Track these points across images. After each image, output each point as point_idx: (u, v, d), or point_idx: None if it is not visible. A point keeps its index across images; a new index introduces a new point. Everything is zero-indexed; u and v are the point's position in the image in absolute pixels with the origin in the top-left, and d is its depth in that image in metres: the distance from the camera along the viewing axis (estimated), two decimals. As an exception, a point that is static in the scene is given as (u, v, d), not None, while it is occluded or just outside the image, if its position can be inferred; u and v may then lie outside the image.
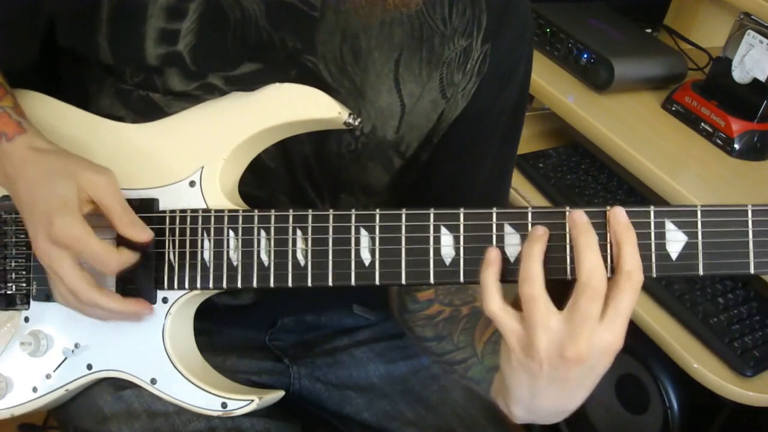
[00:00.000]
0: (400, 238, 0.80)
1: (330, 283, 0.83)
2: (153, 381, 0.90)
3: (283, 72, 0.88)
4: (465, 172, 1.00)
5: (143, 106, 0.91)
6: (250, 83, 0.87)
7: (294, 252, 0.83)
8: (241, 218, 0.85)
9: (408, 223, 0.80)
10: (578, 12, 1.83)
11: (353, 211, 0.82)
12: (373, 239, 0.81)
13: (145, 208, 0.89)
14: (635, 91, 1.69)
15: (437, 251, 0.80)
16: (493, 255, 0.76)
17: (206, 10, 0.86)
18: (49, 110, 0.94)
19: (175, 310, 0.89)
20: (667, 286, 1.40)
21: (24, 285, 0.95)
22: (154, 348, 0.89)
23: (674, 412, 1.48)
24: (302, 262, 0.83)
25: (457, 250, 0.79)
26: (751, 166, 1.50)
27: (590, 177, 1.68)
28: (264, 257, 0.84)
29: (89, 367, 0.92)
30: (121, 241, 0.85)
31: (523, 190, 1.65)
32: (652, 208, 0.76)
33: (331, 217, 0.82)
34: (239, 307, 1.03)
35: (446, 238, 0.79)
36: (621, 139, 1.51)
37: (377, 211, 0.81)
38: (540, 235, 0.75)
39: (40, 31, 0.93)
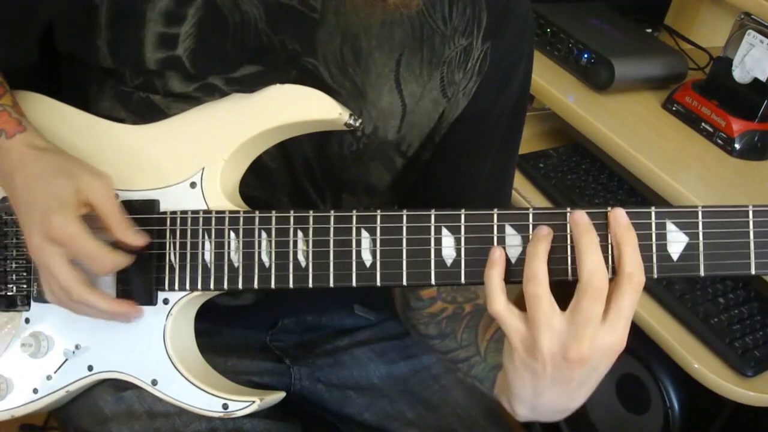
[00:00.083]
0: (401, 239, 0.80)
1: (331, 284, 0.83)
2: (154, 382, 0.90)
3: (283, 74, 0.88)
4: (465, 172, 1.00)
5: (143, 107, 0.91)
6: (250, 85, 0.87)
7: (295, 253, 0.83)
8: (242, 219, 0.85)
9: (409, 224, 0.80)
10: (579, 12, 1.83)
11: (354, 212, 0.82)
12: (374, 240, 0.81)
13: (146, 209, 0.89)
14: (636, 91, 1.69)
15: (438, 252, 0.80)
16: (497, 255, 0.77)
17: (205, 14, 0.86)
18: (49, 111, 0.94)
19: (176, 311, 0.89)
20: (667, 286, 1.40)
21: (24, 286, 0.95)
22: (155, 349, 0.89)
23: (675, 412, 1.48)
24: (303, 263, 0.83)
25: (458, 251, 0.79)
26: (751, 165, 1.50)
27: (591, 177, 1.68)
28: (265, 258, 0.84)
29: (90, 368, 0.92)
30: (116, 244, 0.85)
31: (523, 190, 1.65)
32: (653, 209, 0.76)
33: (332, 218, 0.82)
34: (240, 308, 1.03)
35: (447, 239, 0.79)
36: (621, 139, 1.51)
37: (378, 212, 0.81)
38: (544, 234, 0.75)
39: (37, 34, 0.93)
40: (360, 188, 0.99)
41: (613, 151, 1.53)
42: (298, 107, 0.85)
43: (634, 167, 1.48)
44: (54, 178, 0.84)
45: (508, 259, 0.78)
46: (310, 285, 0.83)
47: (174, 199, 0.89)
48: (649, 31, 1.92)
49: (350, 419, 1.10)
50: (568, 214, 0.76)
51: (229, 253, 0.85)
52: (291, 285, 0.84)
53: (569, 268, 0.76)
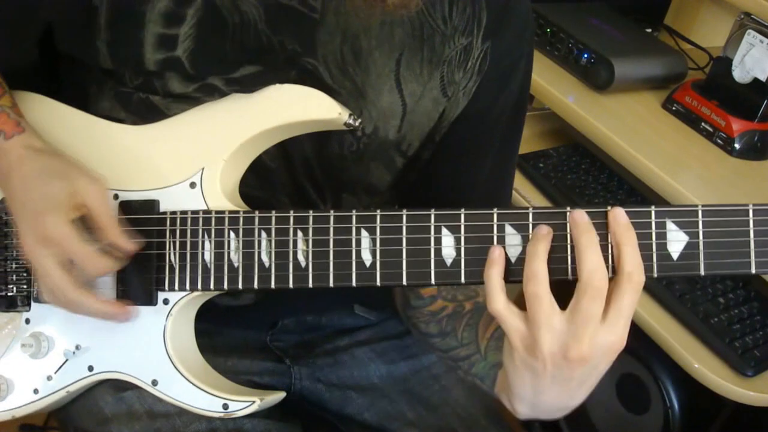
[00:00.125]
0: (401, 239, 0.80)
1: (331, 284, 0.83)
2: (154, 382, 0.90)
3: (282, 74, 0.88)
4: (466, 172, 1.00)
5: (143, 108, 0.91)
6: (249, 85, 0.87)
7: (295, 253, 0.83)
8: (241, 219, 0.85)
9: (409, 224, 0.80)
10: (578, 12, 1.83)
11: (354, 212, 0.82)
12: (373, 240, 0.81)
13: (146, 209, 0.89)
14: (635, 91, 1.69)
15: (438, 252, 0.80)
16: (496, 254, 0.77)
17: (204, 15, 0.86)
18: (48, 112, 0.94)
19: (176, 311, 0.89)
20: (667, 286, 1.40)
21: (25, 287, 0.95)
22: (155, 349, 0.89)
23: (675, 412, 1.48)
24: (303, 263, 0.83)
25: (458, 250, 0.79)
26: (751, 165, 1.50)
27: (591, 177, 1.68)
28: (265, 258, 0.84)
29: (90, 368, 0.92)
30: (107, 248, 0.85)
31: (523, 190, 1.65)
32: (653, 208, 0.76)
33: (331, 217, 0.82)
34: (240, 308, 1.03)
35: (447, 239, 0.79)
36: (621, 139, 1.51)
37: (378, 211, 0.81)
38: (544, 234, 0.75)
39: (37, 34, 0.93)
40: (360, 188, 0.99)
41: (613, 151, 1.53)
42: (297, 107, 0.85)
43: (634, 167, 1.48)
44: (49, 180, 0.84)
45: (508, 259, 0.78)
46: (310, 285, 0.83)
47: (174, 200, 0.89)
48: (649, 31, 1.92)
49: (350, 419, 1.10)
50: (568, 213, 0.76)
51: (229, 253, 0.86)
52: (291, 285, 0.84)
53: (569, 267, 0.76)
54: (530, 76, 1.01)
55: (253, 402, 0.88)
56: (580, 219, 0.74)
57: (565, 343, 0.73)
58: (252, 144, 0.88)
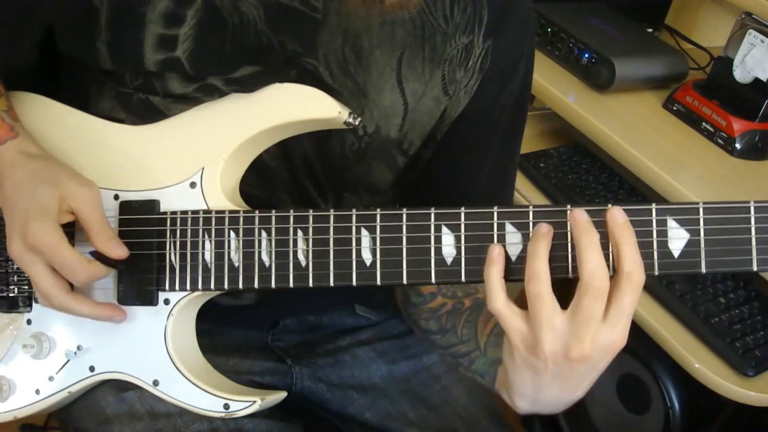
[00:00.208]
0: (401, 238, 0.80)
1: (331, 284, 0.83)
2: (155, 382, 0.90)
3: (282, 74, 0.88)
4: (467, 171, 1.00)
5: (143, 109, 0.91)
6: (249, 85, 0.87)
7: (295, 252, 0.83)
8: (241, 219, 0.85)
9: (409, 223, 0.80)
10: (579, 12, 1.83)
11: (354, 211, 0.82)
12: (374, 239, 0.81)
13: (146, 209, 0.89)
14: (636, 91, 1.69)
15: (438, 251, 0.80)
16: (496, 252, 0.76)
17: (204, 15, 0.86)
18: (49, 112, 0.94)
19: (177, 311, 0.89)
20: (668, 285, 1.39)
21: (26, 287, 0.95)
22: (156, 349, 0.89)
23: (675, 412, 1.48)
24: (303, 263, 0.83)
25: (458, 249, 0.79)
26: (752, 165, 1.50)
27: (591, 177, 1.68)
28: (265, 258, 0.84)
29: (91, 368, 0.92)
30: (97, 255, 0.85)
31: (524, 190, 1.65)
32: (654, 206, 0.75)
33: (331, 217, 0.82)
34: (241, 308, 1.03)
35: (447, 238, 0.79)
36: (622, 139, 1.51)
37: (378, 210, 0.81)
38: (544, 232, 0.75)
39: (38, 35, 0.93)
40: (362, 187, 0.99)
41: (613, 151, 1.53)
42: (297, 106, 0.85)
43: (635, 167, 1.48)
44: (38, 186, 0.84)
45: (508, 257, 0.77)
46: (311, 284, 0.83)
47: (174, 199, 0.89)
48: (650, 30, 1.92)
49: (351, 419, 1.10)
50: (568, 212, 0.76)
51: (229, 253, 0.86)
52: (291, 284, 0.84)
53: (570, 265, 0.76)
54: (531, 75, 1.01)
55: (254, 402, 0.88)
56: (579, 218, 0.74)
57: (566, 342, 0.73)
58: (252, 143, 0.88)
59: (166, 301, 0.89)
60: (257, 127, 0.86)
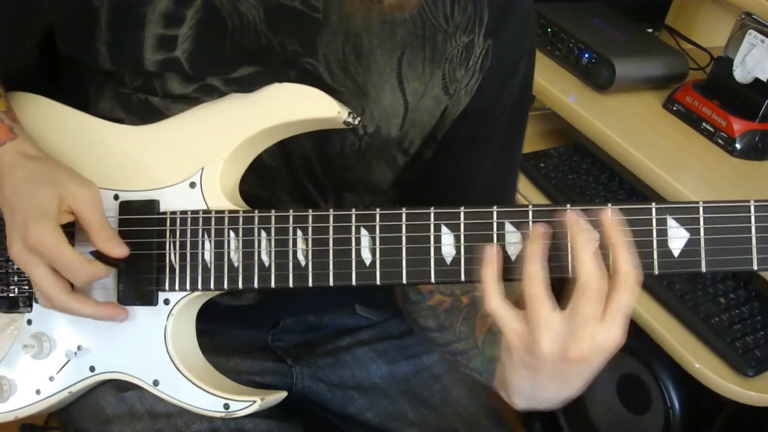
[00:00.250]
0: (401, 238, 0.80)
1: (331, 283, 0.83)
2: (155, 382, 0.90)
3: (281, 74, 0.88)
4: (467, 170, 1.00)
5: (143, 109, 0.91)
6: (248, 85, 0.87)
7: (294, 252, 0.83)
8: (241, 219, 0.85)
9: (408, 223, 0.80)
10: (579, 12, 1.83)
11: (353, 211, 0.82)
12: (373, 239, 0.81)
13: (146, 209, 0.89)
14: (636, 91, 1.69)
15: (438, 250, 0.80)
16: (491, 253, 0.76)
17: (204, 16, 0.86)
18: (48, 113, 0.94)
19: (177, 311, 0.89)
20: (668, 285, 1.39)
21: (26, 288, 0.95)
22: (156, 350, 0.90)
23: (675, 412, 1.48)
24: (303, 263, 0.83)
25: (457, 248, 0.79)
26: (752, 165, 1.50)
27: (591, 177, 1.68)
28: (265, 258, 0.84)
29: (92, 368, 0.92)
30: (98, 254, 0.85)
31: (524, 190, 1.65)
32: (653, 205, 0.75)
33: (331, 217, 0.82)
34: (241, 308, 1.03)
35: (447, 237, 0.79)
36: (622, 139, 1.51)
37: (377, 210, 0.81)
38: (540, 233, 0.75)
39: (38, 35, 0.93)
40: (362, 187, 0.99)
41: (613, 151, 1.53)
42: (297, 106, 0.85)
43: (635, 167, 1.48)
44: (38, 187, 0.84)
45: (507, 257, 0.77)
46: (310, 284, 0.83)
47: (174, 200, 0.89)
48: (650, 30, 1.92)
49: (352, 419, 1.10)
50: (567, 211, 0.76)
51: (228, 253, 0.86)
52: (291, 284, 0.84)
53: (569, 265, 0.76)
54: (533, 74, 1.01)
55: (254, 402, 0.88)
56: (574, 220, 0.74)
57: (564, 343, 0.73)
58: (251, 143, 0.88)
59: (166, 301, 0.89)
60: (257, 126, 0.86)
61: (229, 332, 1.09)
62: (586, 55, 1.67)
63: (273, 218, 0.84)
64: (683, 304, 1.36)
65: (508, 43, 0.93)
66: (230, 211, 0.86)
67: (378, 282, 0.81)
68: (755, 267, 0.74)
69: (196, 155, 0.88)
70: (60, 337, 0.94)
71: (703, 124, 1.56)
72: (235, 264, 0.85)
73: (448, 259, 0.79)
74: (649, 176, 1.45)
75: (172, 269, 0.88)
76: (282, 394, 0.93)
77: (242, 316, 1.05)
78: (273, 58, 0.88)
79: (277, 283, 0.84)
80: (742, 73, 1.53)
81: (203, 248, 0.86)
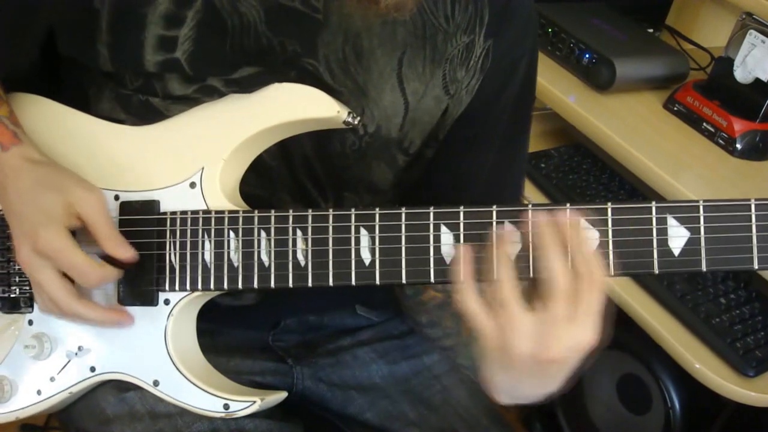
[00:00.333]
0: (400, 237, 0.81)
1: (330, 283, 0.83)
2: (156, 383, 0.90)
3: (281, 75, 0.88)
4: (467, 170, 1.00)
5: (143, 110, 0.91)
6: (248, 86, 0.88)
7: (294, 252, 0.83)
8: (241, 219, 0.85)
9: (408, 222, 0.80)
10: (580, 12, 1.83)
11: (353, 211, 0.82)
12: (373, 238, 0.81)
13: (146, 210, 0.89)
14: (637, 91, 1.69)
15: (437, 250, 0.80)
16: (462, 252, 0.77)
17: (204, 17, 0.86)
18: (49, 114, 0.94)
19: (177, 311, 0.89)
20: (668, 286, 1.39)
21: (27, 288, 0.95)
22: (157, 350, 0.90)
23: (676, 413, 1.48)
24: (302, 262, 0.83)
25: (457, 248, 0.79)
26: (752, 166, 1.50)
27: (592, 177, 1.68)
28: (264, 258, 0.84)
29: (92, 369, 0.93)
30: (106, 257, 0.86)
31: (525, 190, 1.64)
32: (654, 204, 0.75)
33: (330, 216, 0.83)
34: (242, 308, 1.03)
35: (446, 237, 0.79)
36: (623, 139, 1.51)
37: (377, 210, 0.81)
38: (506, 235, 0.76)
39: (38, 36, 0.93)
40: (362, 187, 0.99)
41: (614, 151, 1.53)
42: (296, 106, 0.85)
43: (636, 167, 1.48)
44: (44, 192, 0.85)
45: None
46: (310, 284, 0.83)
47: (174, 200, 0.89)
48: (651, 31, 1.92)
49: (352, 419, 1.10)
50: (568, 210, 0.76)
51: (228, 253, 0.86)
52: (291, 284, 0.84)
53: (532, 266, 0.76)
54: (535, 74, 1.01)
55: (254, 402, 0.88)
56: (540, 221, 0.75)
57: (535, 345, 0.73)
58: (251, 143, 0.88)
59: (166, 302, 0.89)
60: (257, 127, 0.86)
61: (229, 332, 1.09)
62: (587, 55, 1.67)
63: (273, 218, 0.84)
64: (683, 304, 1.36)
65: (508, 43, 0.93)
66: (230, 212, 0.86)
67: (377, 282, 0.81)
68: (755, 266, 0.74)
69: (196, 155, 0.88)
70: (61, 337, 0.94)
71: (704, 124, 1.56)
72: (235, 264, 0.85)
73: (448, 259, 0.79)
74: (649, 176, 1.45)
75: (172, 269, 0.88)
76: (282, 395, 0.93)
77: (243, 317, 1.05)
78: (273, 58, 0.88)
79: (277, 283, 0.84)
80: (742, 74, 1.53)
81: (203, 248, 0.87)
